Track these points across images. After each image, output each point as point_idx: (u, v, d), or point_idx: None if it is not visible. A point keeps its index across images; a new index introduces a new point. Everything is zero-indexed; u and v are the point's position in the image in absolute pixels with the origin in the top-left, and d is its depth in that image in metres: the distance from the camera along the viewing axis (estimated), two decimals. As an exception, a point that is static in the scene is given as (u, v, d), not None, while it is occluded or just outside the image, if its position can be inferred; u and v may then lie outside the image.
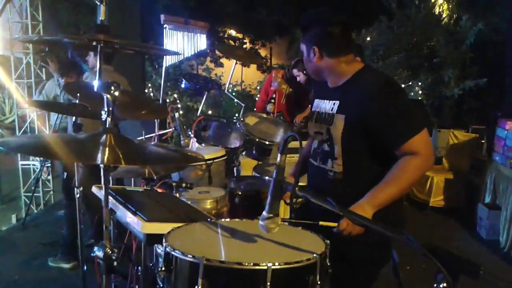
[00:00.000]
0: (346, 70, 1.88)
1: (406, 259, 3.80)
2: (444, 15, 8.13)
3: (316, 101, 2.04)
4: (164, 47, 3.32)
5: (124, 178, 2.96)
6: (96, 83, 1.31)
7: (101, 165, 1.30)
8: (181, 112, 2.91)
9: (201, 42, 3.94)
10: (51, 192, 5.85)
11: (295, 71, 4.74)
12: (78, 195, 2.23)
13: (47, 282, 3.67)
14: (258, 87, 11.36)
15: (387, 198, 1.71)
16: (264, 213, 1.33)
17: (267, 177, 3.05)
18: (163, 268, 1.35)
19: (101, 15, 1.24)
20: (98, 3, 1.21)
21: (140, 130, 2.92)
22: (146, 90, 5.30)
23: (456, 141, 5.93)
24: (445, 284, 1.04)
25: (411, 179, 1.75)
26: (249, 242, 1.46)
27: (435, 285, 1.06)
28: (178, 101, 2.79)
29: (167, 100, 5.28)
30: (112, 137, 1.31)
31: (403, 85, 7.67)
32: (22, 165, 5.59)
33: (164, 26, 3.67)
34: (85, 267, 2.49)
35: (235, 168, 3.22)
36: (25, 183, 5.56)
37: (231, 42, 12.33)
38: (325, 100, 1.95)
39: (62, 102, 2.31)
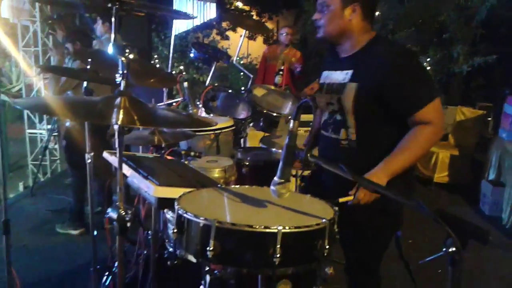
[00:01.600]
0: (362, 37, 1.86)
1: (408, 232, 3.89)
2: (456, -10, 7.97)
3: (325, 72, 2.02)
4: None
5: (132, 146, 2.98)
6: (110, 47, 1.30)
7: (116, 126, 1.31)
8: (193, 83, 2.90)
9: (211, 11, 3.89)
10: (58, 161, 5.91)
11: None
12: (89, 161, 2.25)
13: (56, 248, 3.75)
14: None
15: (400, 166, 1.74)
16: (275, 178, 1.35)
17: (273, 149, 3.07)
18: (175, 230, 1.38)
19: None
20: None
21: (149, 98, 2.93)
22: (153, 61, 5.26)
23: (463, 117, 5.91)
24: (454, 249, 1.06)
25: (424, 148, 1.78)
26: (259, 207, 1.48)
27: (444, 249, 1.08)
28: (184, 73, 2.77)
29: (174, 72, 5.25)
30: (126, 99, 1.32)
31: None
32: (29, 133, 5.63)
33: (175, -8, 3.63)
34: (95, 233, 2.54)
35: (242, 139, 3.23)
36: (32, 151, 5.61)
37: (240, 14, 12.16)
38: (336, 71, 1.93)
39: (73, 67, 2.32)
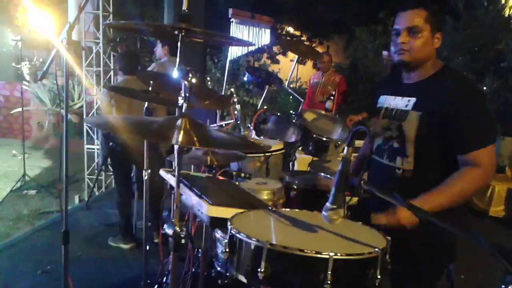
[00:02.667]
0: (432, 66, 1.86)
1: (461, 267, 3.71)
2: (514, 18, 7.72)
3: (383, 97, 2.02)
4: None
5: (184, 165, 3.08)
6: (175, 71, 1.38)
7: (176, 146, 1.38)
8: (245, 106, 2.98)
9: (265, 36, 3.99)
10: (113, 176, 6.15)
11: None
12: (146, 178, 2.35)
13: (107, 260, 3.89)
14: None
15: (440, 204, 1.70)
16: (327, 203, 1.36)
17: (322, 174, 3.06)
18: (226, 250, 1.41)
19: (184, 5, 1.32)
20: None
21: (203, 119, 3.03)
22: (206, 84, 5.44)
23: (521, 149, 5.65)
24: (514, 286, 1.03)
25: (468, 190, 1.74)
26: (310, 232, 1.49)
27: (503, 286, 1.04)
28: (234, 95, 2.85)
29: (235, 94, 5.40)
30: (187, 121, 1.39)
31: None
32: (87, 149, 5.92)
33: (231, 20, 3.76)
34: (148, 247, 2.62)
35: (291, 163, 3.26)
36: (89, 166, 5.88)
37: (289, 39, 12.34)
38: (397, 97, 1.92)
39: (136, 89, 2.46)
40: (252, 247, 1.33)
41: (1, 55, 10.27)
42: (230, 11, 3.83)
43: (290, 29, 13.03)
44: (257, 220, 1.60)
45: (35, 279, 3.48)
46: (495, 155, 1.78)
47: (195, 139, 1.32)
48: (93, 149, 6.00)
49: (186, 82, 1.36)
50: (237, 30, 3.88)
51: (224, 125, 3.16)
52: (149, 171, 2.35)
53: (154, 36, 2.33)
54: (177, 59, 1.43)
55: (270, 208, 1.71)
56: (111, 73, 5.86)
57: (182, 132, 1.35)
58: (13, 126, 9.71)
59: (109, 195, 5.89)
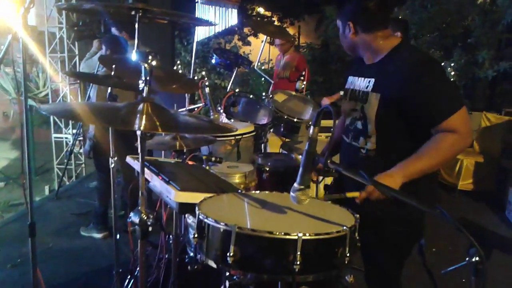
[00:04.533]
0: (383, 46, 1.85)
1: (432, 241, 3.81)
2: (480, -6, 7.83)
3: (351, 78, 2.02)
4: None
5: (154, 151, 3.03)
6: (133, 54, 1.33)
7: (138, 132, 1.33)
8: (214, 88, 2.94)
9: (232, 17, 3.92)
10: (83, 165, 6.02)
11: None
12: (112, 165, 2.29)
13: (80, 250, 3.82)
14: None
15: (418, 171, 1.69)
16: (295, 184, 1.35)
17: (294, 154, 3.06)
18: (195, 235, 1.39)
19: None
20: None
21: (171, 104, 2.97)
22: (175, 67, 5.35)
23: (488, 124, 5.78)
24: (477, 258, 1.04)
25: (445, 155, 1.72)
26: (280, 213, 1.49)
27: (467, 258, 1.06)
28: (206, 78, 2.80)
29: (195, 77, 5.32)
30: (149, 105, 1.34)
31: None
32: (55, 138, 5.76)
33: (197, 0, 3.67)
34: (118, 236, 2.58)
35: (262, 145, 3.24)
36: (57, 155, 5.74)
37: (259, 20, 12.23)
38: (360, 78, 1.93)
39: (98, 74, 2.37)
40: (221, 231, 1.31)
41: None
42: None
43: (261, 10, 12.91)
44: (226, 204, 1.58)
45: (5, 273, 3.39)
46: (468, 117, 1.77)
47: (157, 123, 1.28)
48: (62, 138, 5.85)
49: (146, 65, 1.31)
50: (203, 11, 3.80)
51: (195, 109, 3.11)
52: (116, 158, 2.29)
53: (113, 19, 2.25)
54: (135, 42, 1.37)
55: (239, 191, 1.69)
56: (76, 58, 5.68)
57: (144, 117, 1.31)
58: (-23, 117, 9.37)
59: (79, 184, 5.78)
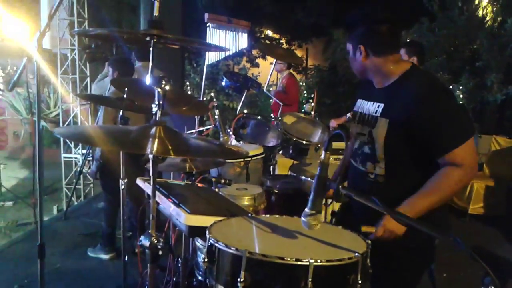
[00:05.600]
0: (393, 70, 1.84)
1: (443, 266, 3.75)
2: (487, 18, 7.88)
3: (360, 101, 2.02)
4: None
5: (164, 172, 3.03)
6: (147, 78, 1.35)
7: (150, 156, 1.34)
8: (225, 111, 2.96)
9: (243, 40, 3.98)
10: (91, 185, 6.04)
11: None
12: (123, 187, 2.30)
13: (86, 271, 3.80)
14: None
15: (424, 208, 1.68)
16: (306, 209, 1.34)
17: (303, 177, 3.05)
18: (205, 260, 1.38)
19: (155, 11, 1.29)
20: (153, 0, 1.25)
21: (182, 125, 2.99)
22: (185, 89, 5.40)
23: (498, 147, 5.74)
24: (493, 287, 1.02)
25: (451, 191, 1.73)
26: (290, 238, 1.47)
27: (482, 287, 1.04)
28: (214, 100, 2.82)
29: (204, 99, 5.37)
30: (161, 129, 1.35)
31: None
32: (64, 158, 5.80)
33: (208, 24, 3.73)
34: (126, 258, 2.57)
35: (271, 167, 3.24)
36: (66, 175, 5.76)
37: (268, 42, 12.37)
38: (369, 102, 1.92)
39: (110, 96, 2.40)
40: (231, 256, 1.30)
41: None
42: (206, 15, 3.80)
43: (269, 33, 13.06)
44: (236, 228, 1.57)
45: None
46: (474, 149, 1.75)
47: (170, 147, 1.29)
48: (71, 158, 5.89)
49: (159, 89, 1.32)
50: (213, 35, 3.86)
51: (204, 130, 3.12)
52: (126, 180, 2.30)
53: (127, 43, 2.29)
54: (149, 67, 1.39)
55: (249, 215, 1.68)
56: (87, 80, 5.76)
57: (156, 141, 1.31)
58: (-13, 136, 9.47)
59: (87, 204, 5.78)
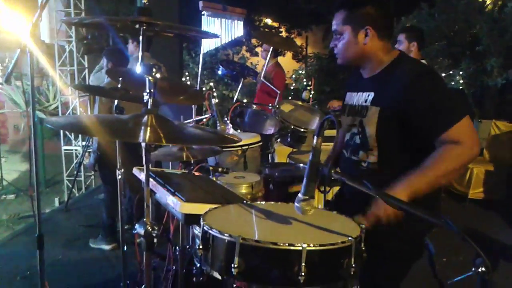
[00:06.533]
0: (384, 57, 1.83)
1: (442, 251, 3.76)
2: (488, 2, 7.81)
3: (348, 94, 2.01)
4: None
5: (162, 162, 3.04)
6: (138, 67, 1.35)
7: (143, 144, 1.34)
8: (217, 100, 2.96)
9: (238, 29, 3.95)
10: (92, 177, 6.07)
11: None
12: (119, 177, 2.30)
13: (88, 262, 3.83)
14: (293, 76, 11.29)
15: (422, 186, 1.64)
16: (299, 195, 1.34)
17: (301, 164, 3.06)
18: (200, 247, 1.39)
19: (145, -1, 1.28)
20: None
21: (178, 115, 2.99)
22: (184, 78, 5.39)
23: (498, 132, 5.72)
24: (483, 268, 1.02)
25: (450, 168, 1.67)
26: (284, 224, 1.48)
27: (473, 269, 1.04)
28: (214, 89, 2.82)
29: (204, 88, 5.35)
30: (153, 117, 1.35)
31: (443, 74, 7.45)
32: (65, 150, 5.82)
33: (202, 12, 3.70)
34: (125, 248, 2.58)
35: (269, 155, 3.24)
36: (67, 167, 5.79)
37: (266, 30, 12.32)
38: (358, 93, 1.91)
39: (105, 87, 2.40)
40: (225, 242, 1.31)
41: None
42: (201, 3, 3.77)
43: (268, 21, 12.98)
44: (231, 215, 1.58)
45: (15, 285, 3.41)
46: (473, 128, 1.73)
47: (161, 135, 1.29)
48: (71, 150, 5.91)
49: (150, 78, 1.32)
50: (209, 23, 3.83)
51: (203, 120, 3.12)
52: (123, 170, 2.30)
53: (119, 32, 2.26)
54: (139, 54, 1.38)
55: (244, 202, 1.69)
56: (86, 71, 5.75)
57: (148, 129, 1.31)
58: (-12, 130, 9.49)
59: (88, 196, 5.82)
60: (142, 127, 1.32)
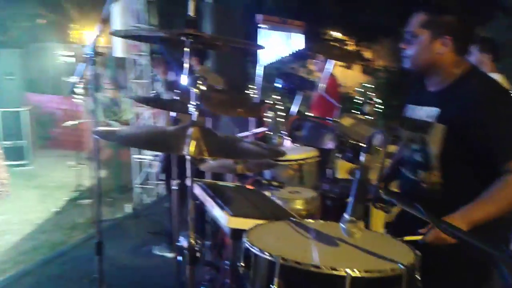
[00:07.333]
0: (454, 71, 1.70)
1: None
2: None
3: (410, 106, 1.88)
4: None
5: (224, 174, 3.04)
6: (184, 78, 1.35)
7: (188, 157, 1.34)
8: (282, 113, 2.93)
9: (299, 42, 3.90)
10: (163, 185, 6.26)
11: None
12: (174, 187, 2.34)
13: (151, 269, 3.93)
14: (359, 89, 11.00)
15: (482, 218, 1.52)
16: (345, 215, 1.26)
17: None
18: (242, 264, 1.35)
19: (191, 11, 1.28)
20: (188, -1, 1.24)
21: (240, 127, 3.00)
22: (249, 91, 5.44)
23: None
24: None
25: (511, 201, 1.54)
26: (331, 245, 1.40)
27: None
28: (278, 102, 2.81)
29: (267, 102, 5.36)
30: (198, 130, 1.34)
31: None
32: (136, 158, 6.07)
33: (261, 26, 3.71)
34: (180, 258, 2.60)
35: (331, 170, 3.14)
36: (138, 175, 6.03)
37: (336, 44, 12.16)
38: (421, 106, 1.78)
39: (164, 99, 2.47)
40: (265, 262, 1.26)
41: (55, 70, 10.81)
42: (259, 17, 3.77)
43: (336, 34, 12.81)
44: (276, 232, 1.52)
45: (80, 287, 3.57)
46: None
47: (204, 148, 1.27)
48: (143, 158, 6.15)
49: (195, 90, 1.31)
50: (266, 36, 3.82)
51: (260, 133, 3.11)
52: (178, 180, 2.34)
53: (165, 44, 2.31)
54: (185, 66, 1.38)
55: (293, 219, 1.62)
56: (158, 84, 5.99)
57: (192, 142, 1.30)
58: (69, 138, 10.17)
59: (157, 203, 6.00)
60: (187, 140, 1.31)
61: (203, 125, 1.36)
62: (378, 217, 2.24)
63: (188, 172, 1.36)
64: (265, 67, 4.01)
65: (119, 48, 5.27)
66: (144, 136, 1.29)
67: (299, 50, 4.08)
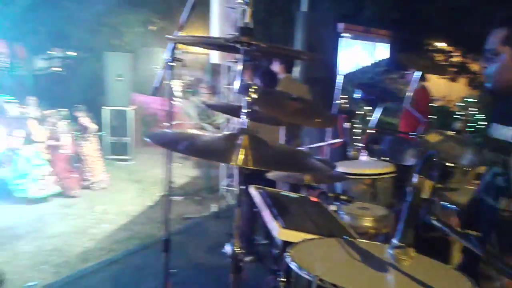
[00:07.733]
0: None
1: None
2: None
3: (494, 125, 1.70)
4: (338, 57, 3.27)
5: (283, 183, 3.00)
6: (237, 85, 1.35)
7: (235, 166, 1.33)
8: (359, 125, 2.82)
9: (383, 51, 3.72)
10: (249, 187, 6.39)
11: None
12: (238, 193, 2.35)
13: (223, 270, 3.99)
14: (463, 104, 10.25)
15: None
16: (394, 240, 1.16)
17: (445, 203, 2.69)
18: (283, 279, 1.32)
19: (247, 18, 1.28)
20: (245, 6, 1.25)
21: (320, 136, 2.95)
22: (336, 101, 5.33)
23: None
24: None
25: None
26: (378, 271, 1.29)
27: None
28: (358, 113, 2.71)
29: (357, 113, 5.18)
30: (248, 138, 1.33)
31: None
32: (223, 159, 6.26)
33: (342, 34, 3.61)
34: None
35: (407, 188, 2.94)
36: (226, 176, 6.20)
37: (441, 55, 11.44)
38: (506, 126, 1.61)
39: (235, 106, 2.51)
40: (302, 280, 1.21)
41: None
42: (340, 26, 3.66)
43: (441, 45, 12.02)
44: (323, 249, 1.45)
45: (159, 280, 3.75)
46: None
47: (249, 158, 1.25)
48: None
49: (246, 98, 1.31)
50: (347, 45, 3.69)
51: (335, 144, 3.02)
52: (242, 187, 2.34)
53: (223, 50, 2.33)
54: (238, 74, 1.38)
55: (345, 237, 1.54)
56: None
57: (241, 150, 1.29)
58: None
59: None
60: (236, 148, 1.30)
61: (254, 134, 1.34)
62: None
63: (236, 179, 1.36)
64: (344, 76, 3.88)
65: (215, 54, 5.49)
66: (192, 142, 1.31)
67: (382, 60, 3.89)
